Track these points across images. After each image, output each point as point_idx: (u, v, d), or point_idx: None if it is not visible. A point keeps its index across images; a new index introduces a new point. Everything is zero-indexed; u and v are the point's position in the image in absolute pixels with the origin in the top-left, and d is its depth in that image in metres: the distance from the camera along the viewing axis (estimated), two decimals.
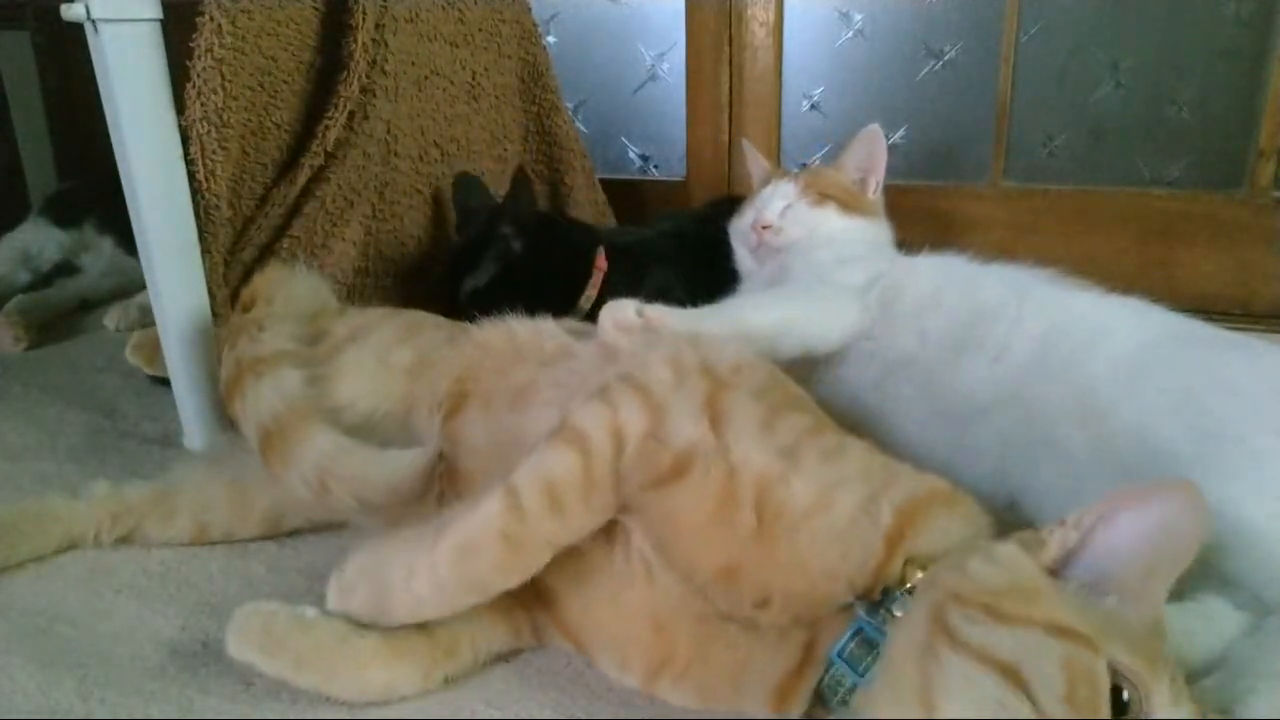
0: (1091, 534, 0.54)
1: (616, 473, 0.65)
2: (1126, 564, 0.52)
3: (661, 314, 0.88)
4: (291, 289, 1.01)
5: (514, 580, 0.66)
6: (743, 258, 1.25)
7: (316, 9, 1.19)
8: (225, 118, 1.06)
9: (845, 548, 0.59)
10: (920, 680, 0.50)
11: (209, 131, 1.04)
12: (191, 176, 1.04)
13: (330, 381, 0.89)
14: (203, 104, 1.03)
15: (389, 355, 0.91)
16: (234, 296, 1.11)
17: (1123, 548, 0.53)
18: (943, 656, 0.49)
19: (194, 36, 1.03)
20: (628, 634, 0.68)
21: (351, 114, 1.22)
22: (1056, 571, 0.54)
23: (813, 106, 1.82)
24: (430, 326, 0.96)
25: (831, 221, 1.19)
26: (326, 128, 1.19)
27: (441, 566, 0.65)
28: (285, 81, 1.16)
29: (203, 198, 1.05)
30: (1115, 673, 0.48)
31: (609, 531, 0.68)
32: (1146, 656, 0.49)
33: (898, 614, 0.56)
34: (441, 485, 0.85)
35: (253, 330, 0.91)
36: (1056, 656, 0.47)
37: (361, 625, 0.69)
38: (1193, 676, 0.64)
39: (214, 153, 1.05)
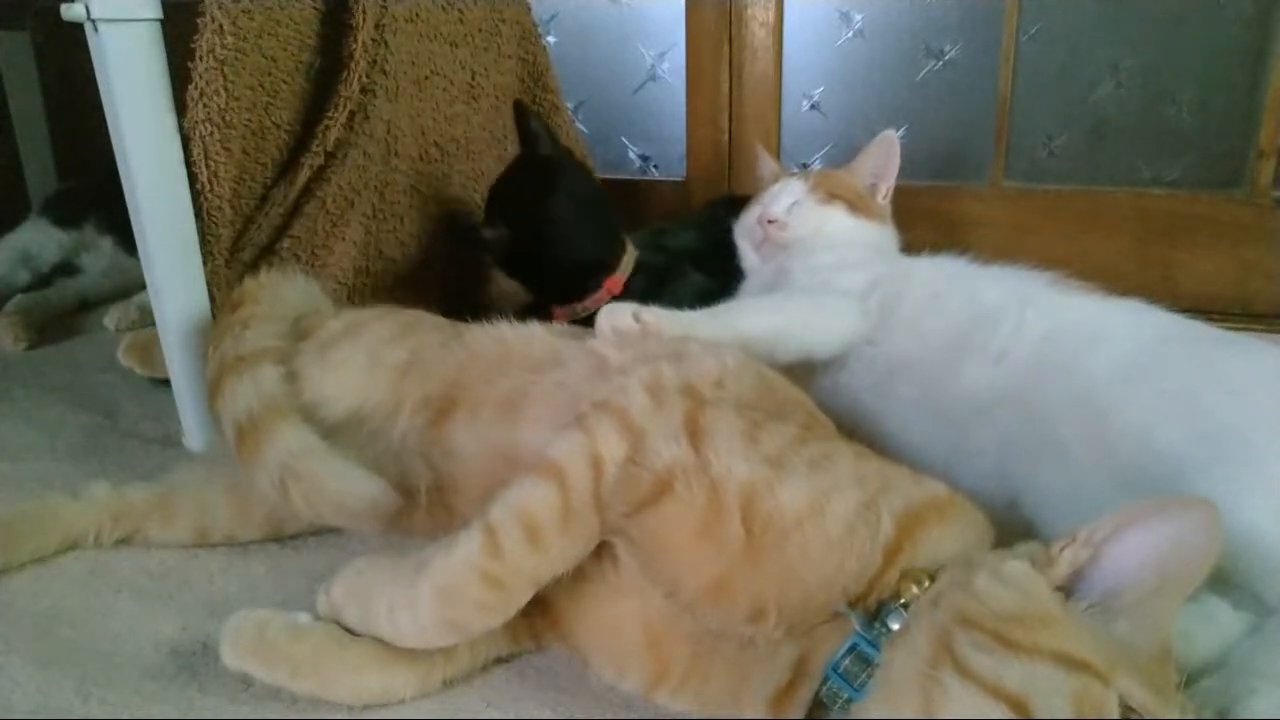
0: (1103, 549, 0.53)
1: (598, 500, 0.65)
2: (1136, 581, 0.52)
3: (658, 318, 0.89)
4: (281, 291, 1.00)
5: (496, 620, 0.65)
6: (746, 254, 1.26)
7: (316, 9, 1.19)
8: (228, 119, 1.06)
9: (842, 556, 0.59)
10: (922, 704, 0.50)
11: (212, 133, 1.04)
12: (193, 178, 1.04)
13: (319, 374, 0.88)
14: (205, 105, 1.03)
15: (381, 352, 0.90)
16: None
17: (1133, 564, 0.52)
18: (948, 683, 0.49)
19: (195, 37, 1.02)
20: (623, 646, 0.68)
21: (352, 114, 1.22)
22: (1066, 588, 0.54)
23: (813, 106, 1.82)
24: (428, 327, 0.96)
25: (838, 221, 1.19)
26: (327, 127, 1.19)
27: (422, 607, 0.65)
28: (285, 81, 1.16)
29: (205, 200, 1.05)
30: (1125, 706, 0.47)
31: (600, 543, 0.68)
32: (1157, 686, 0.49)
33: (894, 627, 0.56)
34: (429, 496, 0.86)
35: (237, 329, 0.91)
36: (1066, 690, 0.47)
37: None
38: (1193, 677, 0.64)
39: (217, 154, 1.05)
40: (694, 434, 0.65)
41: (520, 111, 1.31)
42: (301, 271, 1.17)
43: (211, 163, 1.05)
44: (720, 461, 0.62)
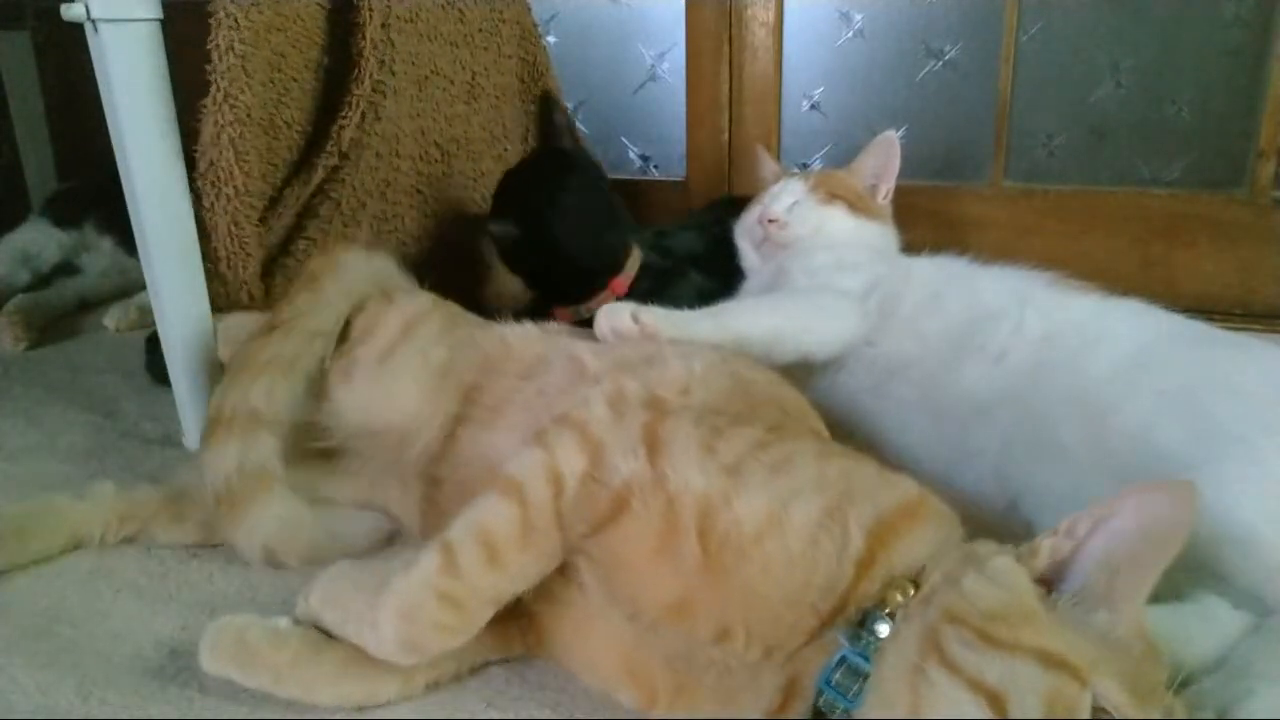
0: (1087, 541, 0.53)
1: (558, 516, 0.64)
2: (1114, 568, 0.52)
3: (656, 319, 0.89)
4: (322, 307, 0.92)
5: (455, 641, 0.65)
6: (747, 253, 1.26)
7: (321, 6, 1.18)
8: (253, 115, 1.04)
9: (807, 572, 0.57)
10: (911, 700, 0.50)
11: (241, 134, 1.01)
12: (221, 183, 1.02)
13: (376, 391, 0.88)
14: (231, 105, 1.00)
15: (430, 354, 0.89)
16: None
17: (1113, 552, 0.52)
18: (935, 678, 0.49)
19: (209, 37, 1.00)
20: (604, 673, 0.68)
21: (363, 114, 1.21)
22: (1050, 581, 0.54)
23: (813, 106, 1.82)
24: (465, 322, 0.96)
25: (838, 221, 1.19)
26: (341, 127, 1.18)
27: (383, 627, 0.64)
28: (294, 79, 1.15)
29: (240, 202, 1.03)
30: (1098, 707, 0.47)
31: (569, 565, 0.67)
32: (1139, 687, 0.48)
33: (882, 634, 0.55)
34: (424, 505, 0.87)
35: (248, 378, 0.86)
36: (1040, 688, 0.47)
37: None
38: (1192, 677, 0.64)
39: (247, 155, 1.03)
40: (652, 446, 0.64)
41: (547, 102, 1.27)
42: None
43: (244, 163, 1.02)
44: (677, 475, 0.61)
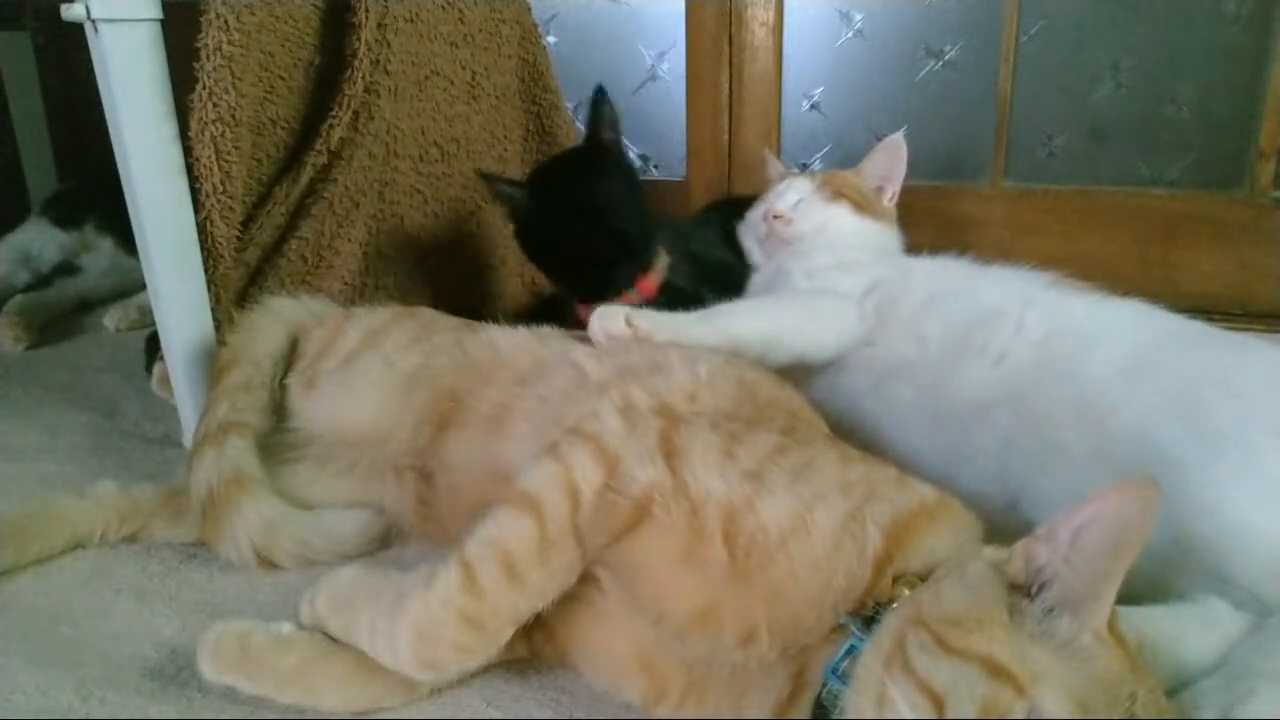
0: (1066, 544, 0.52)
1: (576, 530, 0.64)
2: (1084, 572, 0.51)
3: (650, 322, 0.89)
4: (257, 335, 0.98)
5: (473, 662, 0.65)
6: (752, 250, 1.26)
7: (316, 6, 1.18)
8: (237, 116, 1.04)
9: (829, 573, 0.58)
10: (880, 694, 0.51)
11: (224, 133, 1.02)
12: (201, 179, 1.02)
13: (340, 397, 0.90)
14: (215, 105, 1.01)
15: (397, 361, 0.91)
16: (240, 296, 1.11)
17: (1084, 555, 0.51)
18: (896, 677, 0.50)
19: (198, 36, 1.01)
20: (616, 670, 0.68)
21: (356, 114, 1.21)
22: (1029, 586, 0.53)
23: (813, 106, 1.82)
24: (444, 328, 0.96)
25: (842, 219, 1.19)
26: (331, 126, 1.18)
27: (400, 645, 0.64)
28: (282, 78, 1.15)
29: (218, 200, 1.03)
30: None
31: (588, 574, 0.67)
32: (1091, 699, 0.48)
33: None
34: (420, 511, 0.87)
35: (210, 407, 0.93)
36: (978, 696, 0.47)
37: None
38: (1193, 677, 0.64)
39: (229, 154, 1.03)
40: (670, 455, 0.64)
41: (598, 93, 1.26)
42: (301, 280, 1.17)
43: (224, 163, 1.03)
44: (698, 482, 0.62)
